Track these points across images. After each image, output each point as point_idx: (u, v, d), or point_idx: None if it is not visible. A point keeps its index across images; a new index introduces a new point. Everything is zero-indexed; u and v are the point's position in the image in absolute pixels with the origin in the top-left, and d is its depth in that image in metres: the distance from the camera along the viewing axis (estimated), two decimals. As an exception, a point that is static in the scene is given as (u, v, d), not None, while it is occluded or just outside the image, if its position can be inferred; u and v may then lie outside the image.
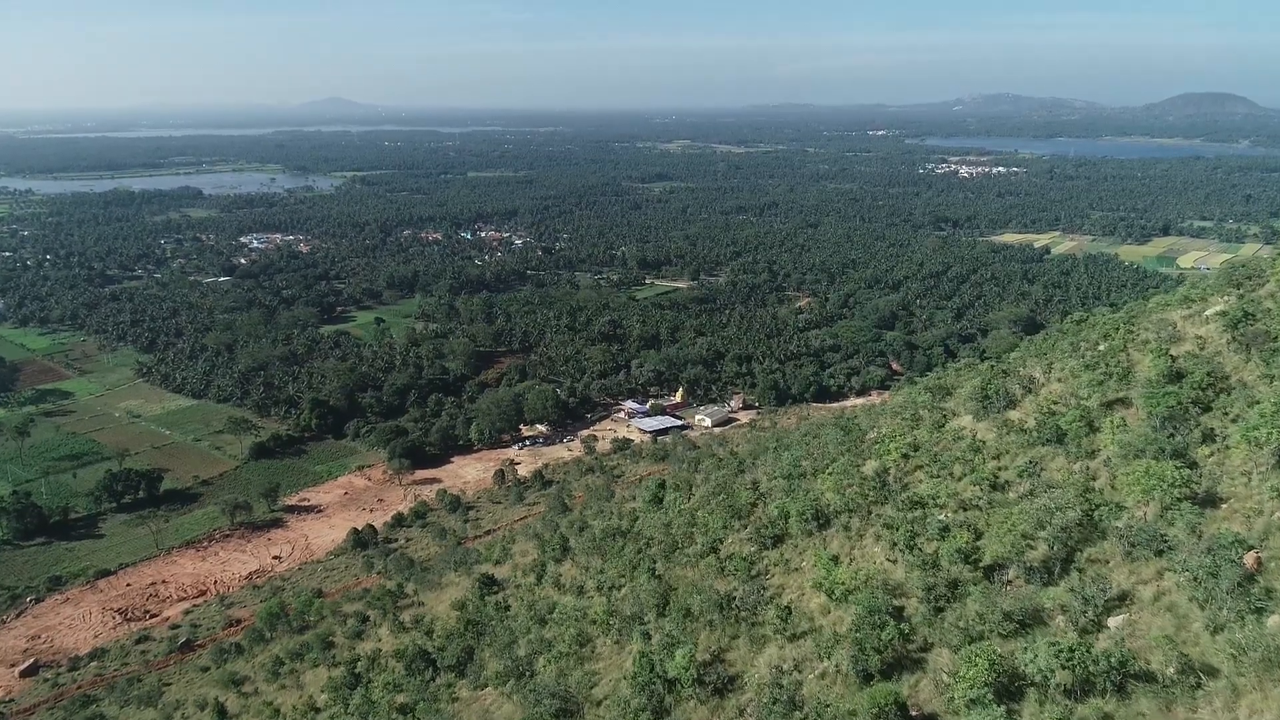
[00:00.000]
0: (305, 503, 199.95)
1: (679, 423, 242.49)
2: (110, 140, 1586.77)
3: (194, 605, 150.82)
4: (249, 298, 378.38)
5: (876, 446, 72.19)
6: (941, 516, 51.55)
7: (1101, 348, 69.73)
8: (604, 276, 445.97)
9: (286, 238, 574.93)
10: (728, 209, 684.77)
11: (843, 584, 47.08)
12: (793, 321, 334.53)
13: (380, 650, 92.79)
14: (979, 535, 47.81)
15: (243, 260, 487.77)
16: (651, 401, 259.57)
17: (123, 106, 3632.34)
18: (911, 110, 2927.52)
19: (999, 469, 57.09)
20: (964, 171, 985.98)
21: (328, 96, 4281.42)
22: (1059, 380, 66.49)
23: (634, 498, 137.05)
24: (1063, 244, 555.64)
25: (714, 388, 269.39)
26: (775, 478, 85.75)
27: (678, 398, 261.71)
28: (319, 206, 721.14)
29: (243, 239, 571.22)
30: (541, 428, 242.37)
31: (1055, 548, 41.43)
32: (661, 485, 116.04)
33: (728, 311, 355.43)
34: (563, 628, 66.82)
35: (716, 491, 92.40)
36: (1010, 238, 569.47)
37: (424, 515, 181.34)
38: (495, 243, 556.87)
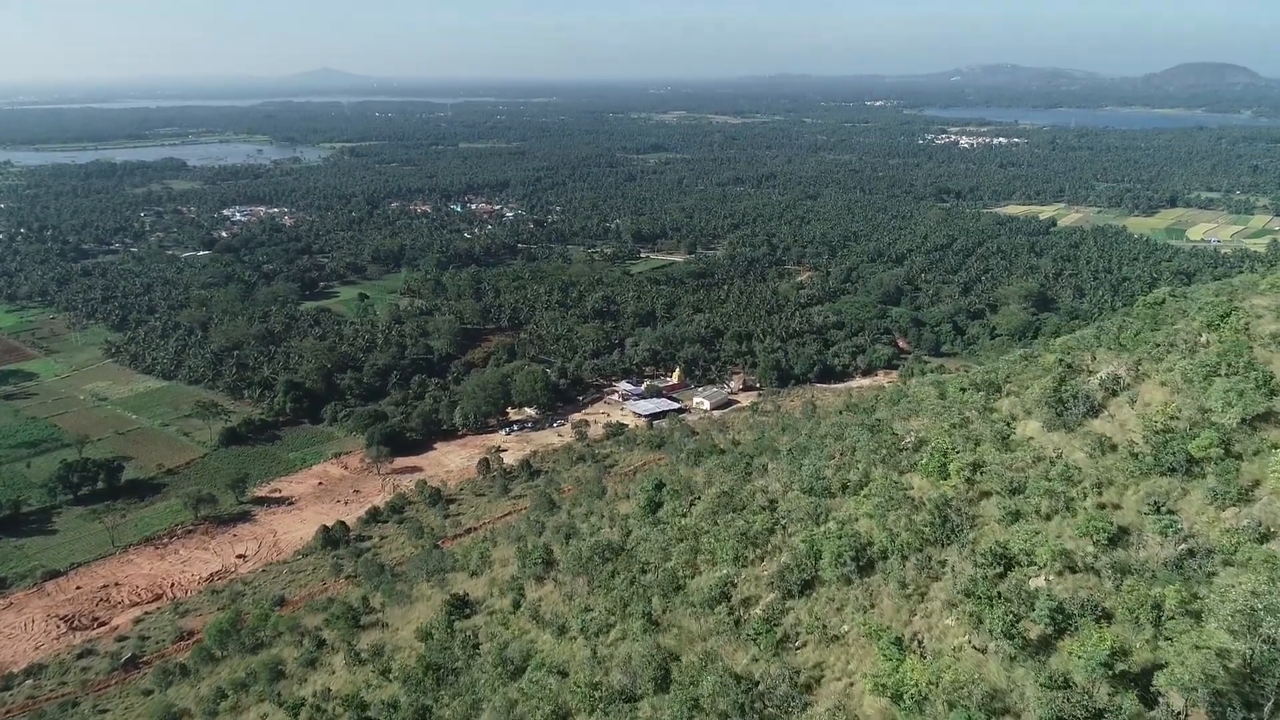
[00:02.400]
0: (276, 494, 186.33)
1: (676, 405, 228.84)
2: (95, 111, 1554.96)
3: (146, 613, 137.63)
4: (227, 273, 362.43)
5: (925, 462, 58.71)
6: (1041, 581, 38.17)
7: (1204, 339, 56.22)
8: (598, 250, 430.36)
9: (270, 210, 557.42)
10: (725, 180, 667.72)
11: (915, 685, 33.76)
12: (794, 297, 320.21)
13: (330, 691, 79.69)
14: (1105, 616, 34.41)
15: (223, 234, 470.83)
16: (647, 382, 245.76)
17: (109, 78, 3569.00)
18: (909, 81, 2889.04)
19: (1106, 507, 43.66)
20: (964, 142, 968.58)
21: (319, 67, 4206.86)
22: (1163, 384, 53.00)
23: (628, 496, 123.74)
24: (1068, 216, 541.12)
25: (713, 368, 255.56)
26: (793, 490, 72.20)
27: (674, 379, 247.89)
28: (305, 178, 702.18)
29: (225, 212, 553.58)
30: (530, 411, 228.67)
31: (1260, 665, 28.03)
32: (658, 487, 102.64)
33: (726, 286, 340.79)
34: (535, 701, 53.58)
35: (723, 503, 78.88)
36: (1014, 209, 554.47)
37: (401, 509, 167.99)
38: (486, 215, 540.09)
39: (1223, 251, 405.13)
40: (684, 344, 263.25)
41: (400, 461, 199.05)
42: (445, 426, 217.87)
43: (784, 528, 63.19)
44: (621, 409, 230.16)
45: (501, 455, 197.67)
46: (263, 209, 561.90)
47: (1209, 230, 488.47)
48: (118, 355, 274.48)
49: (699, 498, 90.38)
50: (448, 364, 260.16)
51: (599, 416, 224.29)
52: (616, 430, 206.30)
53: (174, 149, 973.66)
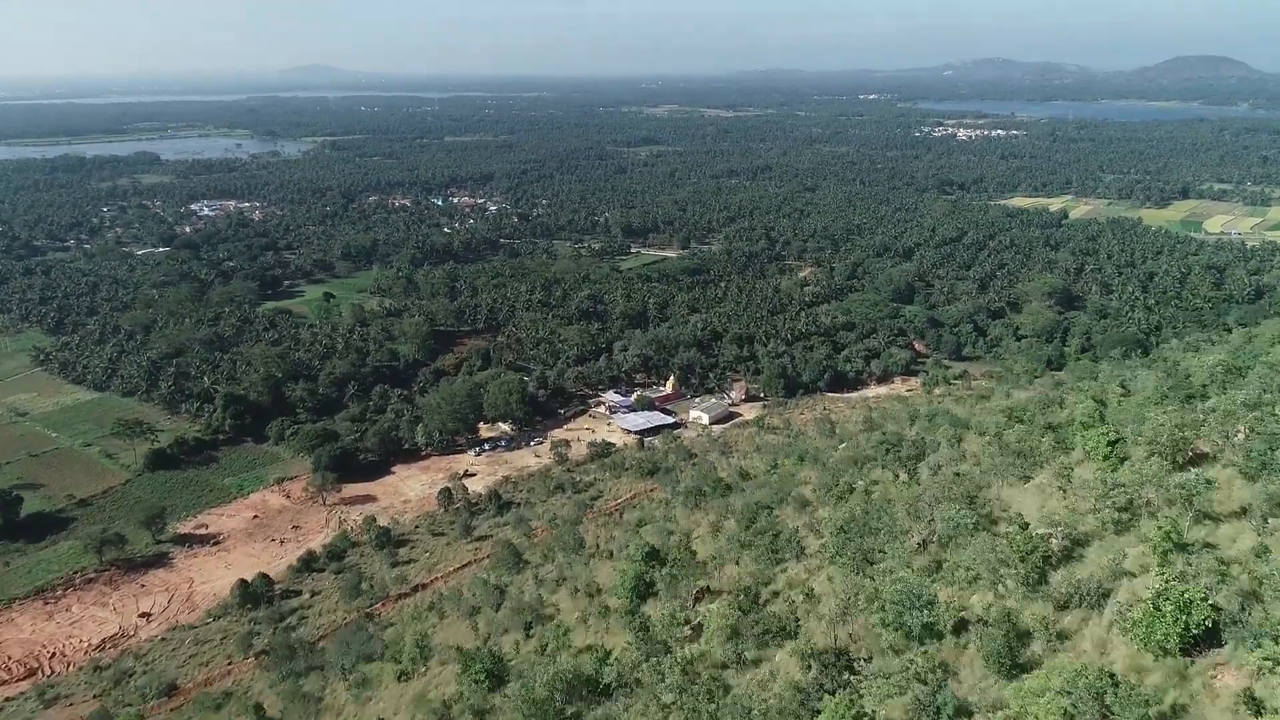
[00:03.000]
0: (202, 530, 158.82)
1: (670, 420, 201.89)
2: (75, 106, 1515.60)
3: (8, 698, 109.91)
4: (182, 270, 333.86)
5: (1143, 624, 32.28)
6: None
7: None
8: (585, 245, 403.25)
9: (241, 205, 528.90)
10: (718, 173, 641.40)
11: None
12: (798, 295, 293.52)
13: None
14: None
15: (186, 229, 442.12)
16: (637, 393, 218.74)
17: (101, 74, 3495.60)
18: (901, 75, 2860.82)
19: None
20: (962, 134, 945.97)
21: (310, 63, 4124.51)
22: None
23: (611, 554, 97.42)
24: (1078, 208, 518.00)
25: (711, 375, 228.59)
26: (860, 606, 45.50)
27: (668, 388, 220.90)
28: (280, 172, 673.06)
29: (194, 206, 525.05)
30: (505, 427, 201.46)
31: None
32: (649, 557, 76.18)
33: (723, 284, 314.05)
34: None
35: (749, 628, 51.93)
36: (1021, 201, 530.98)
37: (343, 554, 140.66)
38: (468, 208, 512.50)
39: (1249, 244, 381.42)
40: (679, 348, 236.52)
41: (351, 489, 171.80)
42: (406, 446, 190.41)
43: (852, 686, 36.70)
44: (609, 424, 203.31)
45: (468, 481, 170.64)
46: (233, 203, 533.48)
47: (1227, 222, 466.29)
48: (47, 363, 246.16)
49: (707, 589, 63.59)
50: (415, 371, 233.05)
51: (582, 433, 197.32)
52: (602, 450, 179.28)
53: (150, 143, 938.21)
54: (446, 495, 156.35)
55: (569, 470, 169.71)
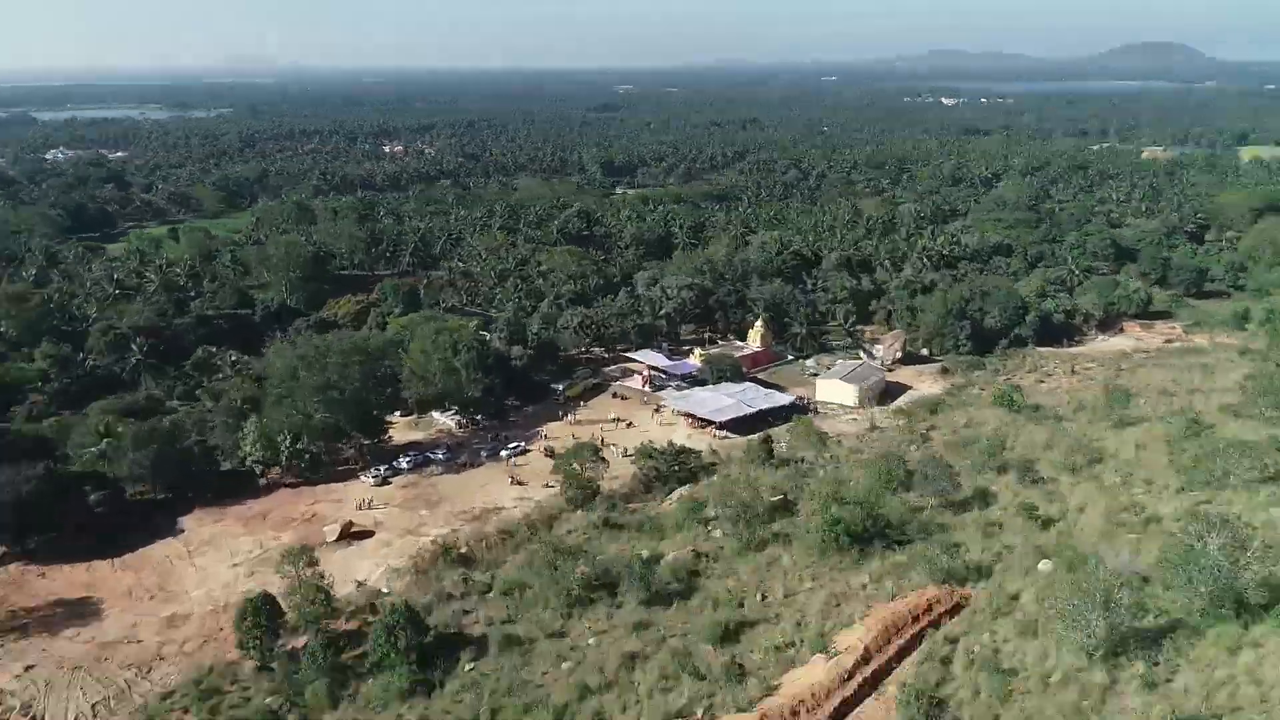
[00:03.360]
0: None
1: (784, 399, 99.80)
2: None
3: None
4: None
5: None
6: None
7: None
8: (557, 182, 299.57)
9: (114, 154, 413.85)
10: (702, 124, 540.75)
11: None
12: (899, 218, 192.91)
13: None
14: None
15: (11, 172, 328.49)
16: (698, 351, 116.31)
17: (90, 69, 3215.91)
18: (853, 65, 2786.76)
19: None
20: (947, 101, 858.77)
21: (290, 61, 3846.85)
22: None
23: None
24: (1147, 150, 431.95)
25: (829, 319, 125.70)
26: None
27: (755, 342, 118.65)
28: (174, 126, 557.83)
29: (46, 155, 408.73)
30: (445, 420, 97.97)
31: None
32: None
33: (767, 207, 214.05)
34: None
35: None
36: (1067, 143, 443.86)
37: None
38: (400, 155, 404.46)
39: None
40: (750, 278, 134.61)
41: (51, 582, 67.32)
42: (227, 465, 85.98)
43: None
44: (656, 409, 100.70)
45: (353, 550, 67.57)
46: (99, 150, 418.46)
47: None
48: None
49: None
50: (285, 324, 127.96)
51: (604, 428, 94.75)
52: (674, 462, 76.43)
53: (36, 112, 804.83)
54: (256, 618, 52.05)
55: (603, 521, 66.59)
